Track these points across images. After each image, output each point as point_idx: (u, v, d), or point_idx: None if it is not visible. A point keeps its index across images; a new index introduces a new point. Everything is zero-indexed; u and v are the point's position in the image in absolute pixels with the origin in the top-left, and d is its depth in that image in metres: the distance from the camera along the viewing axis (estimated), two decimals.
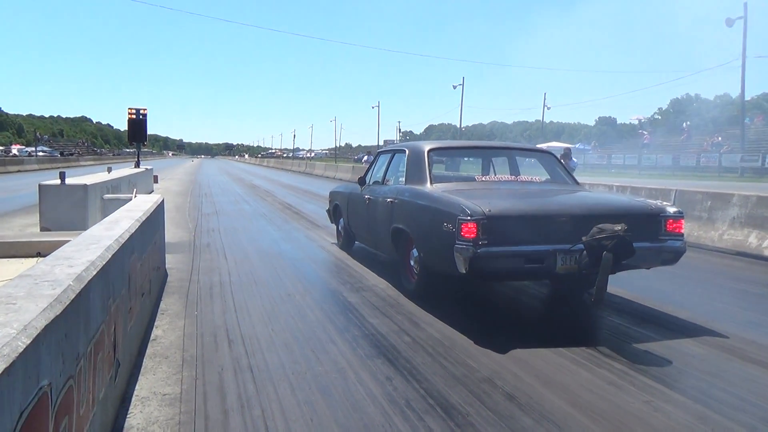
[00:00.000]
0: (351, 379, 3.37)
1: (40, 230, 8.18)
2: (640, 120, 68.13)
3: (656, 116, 75.92)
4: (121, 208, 5.01)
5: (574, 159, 13.86)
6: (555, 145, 51.00)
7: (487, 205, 4.29)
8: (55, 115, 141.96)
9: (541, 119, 60.95)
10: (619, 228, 3.96)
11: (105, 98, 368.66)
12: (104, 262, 2.55)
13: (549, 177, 5.83)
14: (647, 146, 46.67)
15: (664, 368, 3.65)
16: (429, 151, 5.67)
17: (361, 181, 6.91)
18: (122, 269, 3.12)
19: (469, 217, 4.18)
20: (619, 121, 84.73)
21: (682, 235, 4.64)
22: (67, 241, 3.00)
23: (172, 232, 8.95)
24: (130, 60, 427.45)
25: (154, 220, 5.20)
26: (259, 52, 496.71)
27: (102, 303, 2.48)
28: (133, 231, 3.60)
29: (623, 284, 5.65)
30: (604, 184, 14.09)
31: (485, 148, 7.13)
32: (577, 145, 52.18)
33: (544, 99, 54.71)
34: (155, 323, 4.40)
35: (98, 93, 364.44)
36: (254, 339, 4.07)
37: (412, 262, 5.31)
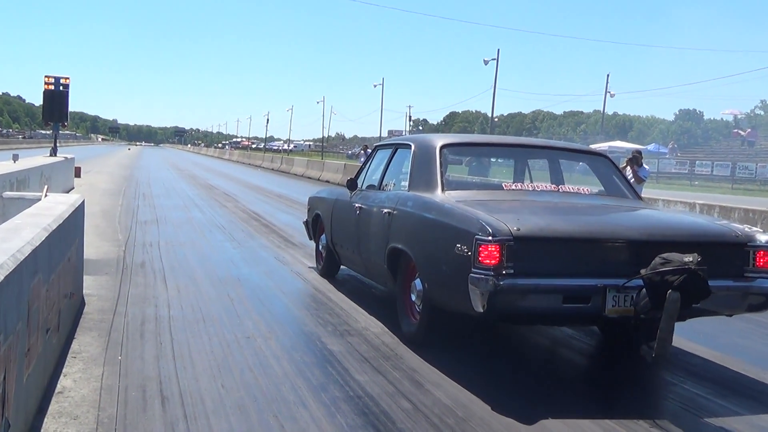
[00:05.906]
0: None
1: None
2: (735, 116, 68.09)
3: (758, 111, 76.06)
4: (25, 211, 5.00)
5: (645, 166, 13.82)
6: (619, 144, 50.99)
7: (515, 221, 4.32)
8: None
9: (601, 110, 61.26)
10: (690, 259, 3.98)
11: (14, 62, 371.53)
12: None
13: (602, 188, 5.88)
14: (750, 144, 46.30)
15: None
16: (442, 148, 5.72)
17: (352, 185, 6.95)
18: (19, 296, 3.11)
19: (490, 237, 4.19)
20: (706, 116, 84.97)
21: None
22: None
23: (94, 246, 8.98)
24: (49, 13, 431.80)
25: (70, 229, 5.20)
26: (223, 8, 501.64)
27: None
28: (37, 244, 3.59)
29: (702, 338, 5.63)
30: (683, 201, 14.13)
31: (518, 146, 7.17)
32: (649, 147, 52.17)
33: (607, 82, 54.64)
34: (63, 370, 4.38)
35: (4, 54, 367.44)
36: (197, 397, 4.06)
37: (413, 297, 5.31)
